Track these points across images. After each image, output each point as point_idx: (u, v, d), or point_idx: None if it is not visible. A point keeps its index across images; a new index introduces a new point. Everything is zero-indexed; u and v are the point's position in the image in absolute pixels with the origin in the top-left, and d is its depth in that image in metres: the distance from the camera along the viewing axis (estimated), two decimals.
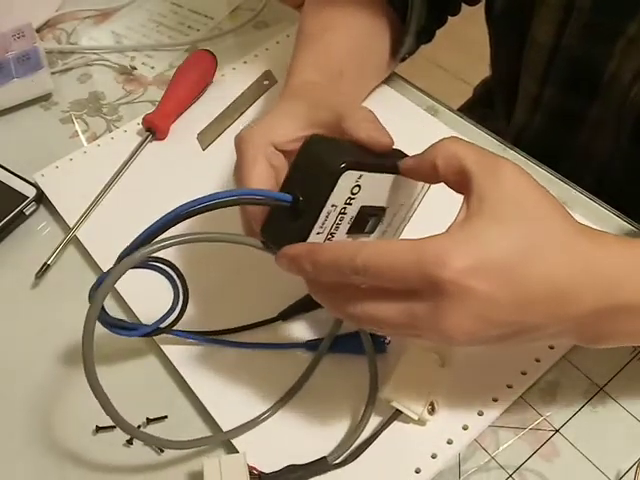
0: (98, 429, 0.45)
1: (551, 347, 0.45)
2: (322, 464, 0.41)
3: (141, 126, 0.63)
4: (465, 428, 0.42)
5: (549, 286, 0.33)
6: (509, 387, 0.44)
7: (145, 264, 0.39)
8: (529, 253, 0.32)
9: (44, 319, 0.52)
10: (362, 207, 0.38)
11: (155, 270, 0.40)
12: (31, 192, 0.58)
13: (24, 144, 0.65)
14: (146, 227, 0.35)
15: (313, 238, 0.36)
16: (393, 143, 0.40)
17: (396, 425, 0.42)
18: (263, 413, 0.44)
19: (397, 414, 0.42)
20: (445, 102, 0.63)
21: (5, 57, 0.71)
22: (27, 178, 0.60)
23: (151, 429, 0.45)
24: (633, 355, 0.45)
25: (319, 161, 0.36)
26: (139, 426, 0.45)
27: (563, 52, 0.58)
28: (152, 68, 0.72)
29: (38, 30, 0.77)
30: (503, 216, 0.33)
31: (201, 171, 0.60)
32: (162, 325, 0.44)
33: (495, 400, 0.43)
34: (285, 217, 0.37)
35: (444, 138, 0.37)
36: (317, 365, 0.45)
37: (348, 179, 0.36)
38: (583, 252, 0.34)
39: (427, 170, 0.36)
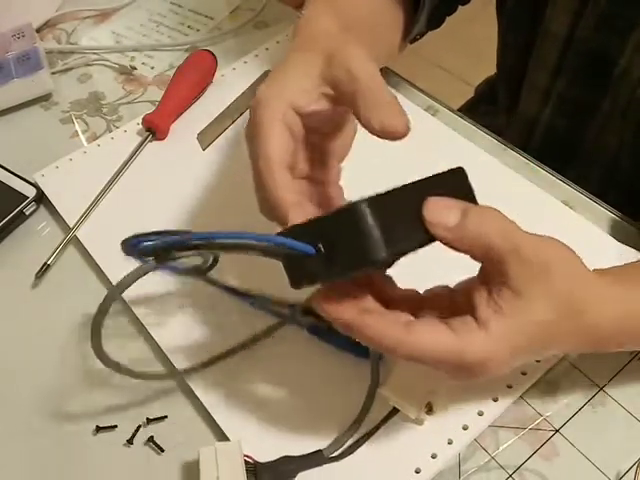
0: (98, 429, 0.45)
1: None
2: (318, 457, 0.41)
3: (141, 126, 0.63)
4: (465, 428, 0.42)
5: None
6: (509, 387, 0.44)
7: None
8: (553, 344, 0.37)
9: (44, 319, 0.52)
10: None
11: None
12: (31, 192, 0.58)
13: (24, 144, 0.65)
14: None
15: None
16: (407, 131, 0.37)
17: (396, 425, 0.42)
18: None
19: (395, 412, 0.42)
20: (445, 102, 0.63)
21: (5, 57, 0.71)
22: (27, 178, 0.60)
23: (151, 429, 0.45)
24: (633, 355, 0.45)
25: (362, 240, 0.33)
26: (139, 426, 0.45)
27: (577, 43, 0.58)
28: (152, 68, 0.72)
29: (38, 30, 0.77)
30: (537, 316, 0.35)
31: (201, 171, 0.60)
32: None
33: (495, 400, 0.43)
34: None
35: (484, 218, 0.35)
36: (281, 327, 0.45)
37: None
38: (600, 338, 0.38)
39: (462, 249, 0.36)
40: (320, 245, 0.34)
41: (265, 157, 0.38)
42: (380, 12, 0.57)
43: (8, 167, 0.61)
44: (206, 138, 0.63)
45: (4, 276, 0.55)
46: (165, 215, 0.56)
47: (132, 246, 0.36)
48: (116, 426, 0.45)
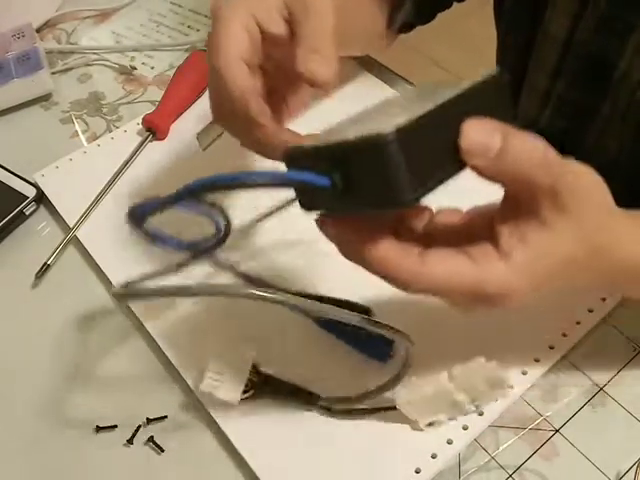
0: (98, 429, 0.45)
1: (551, 347, 0.45)
2: (312, 397, 0.43)
3: (141, 126, 0.63)
4: (465, 428, 0.42)
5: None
6: (509, 387, 0.43)
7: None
8: (574, 280, 0.36)
9: (44, 319, 0.52)
10: None
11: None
12: (31, 192, 0.58)
13: (24, 144, 0.65)
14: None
15: None
16: (326, 83, 0.37)
17: (396, 425, 0.43)
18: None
19: (395, 409, 0.42)
20: None
21: (5, 57, 0.71)
22: (27, 178, 0.60)
23: (151, 429, 0.45)
24: (633, 355, 0.45)
25: (388, 179, 0.29)
26: (139, 426, 0.45)
27: (576, 46, 0.57)
28: (152, 68, 0.72)
29: (38, 30, 0.77)
30: (563, 249, 0.33)
31: (201, 171, 0.59)
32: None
33: (495, 400, 0.43)
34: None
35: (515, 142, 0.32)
36: None
37: None
38: (619, 276, 0.38)
39: (496, 179, 0.33)
40: (337, 176, 0.30)
41: (225, 50, 0.38)
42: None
43: (8, 167, 0.61)
44: (206, 138, 0.63)
45: (4, 276, 0.55)
46: (164, 215, 0.56)
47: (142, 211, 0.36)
48: (116, 426, 0.45)
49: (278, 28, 0.40)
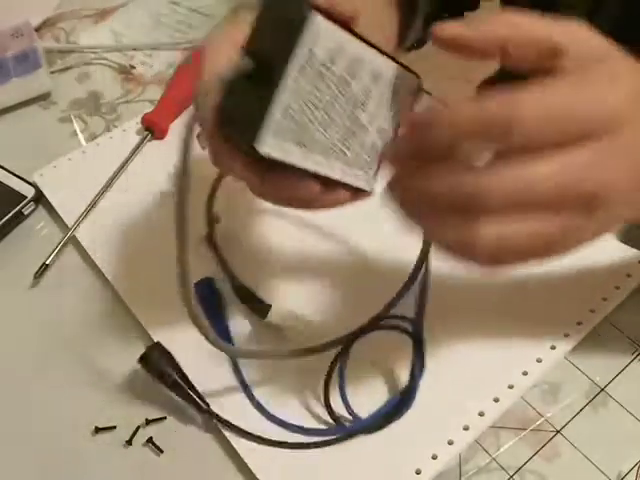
0: (97, 430, 0.45)
1: (553, 347, 0.45)
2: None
3: (140, 125, 0.63)
4: (466, 429, 0.42)
5: None
6: (510, 387, 0.43)
7: None
8: None
9: (43, 319, 0.51)
10: None
11: None
12: (30, 192, 0.58)
13: (23, 144, 0.65)
14: None
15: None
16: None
17: (396, 425, 0.42)
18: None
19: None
20: (445, 101, 0.63)
21: (3, 56, 0.71)
22: (26, 178, 0.60)
23: (151, 430, 0.45)
24: (635, 356, 0.45)
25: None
26: (138, 427, 0.45)
27: None
28: (151, 67, 0.72)
29: (37, 29, 0.76)
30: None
31: (200, 170, 0.59)
32: None
33: (496, 400, 0.43)
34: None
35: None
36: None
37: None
38: None
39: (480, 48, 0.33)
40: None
41: (211, 67, 0.38)
42: (373, 8, 0.55)
43: (6, 167, 0.60)
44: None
45: (2, 276, 0.55)
46: (164, 214, 0.56)
47: None
48: (115, 427, 0.45)
49: None
